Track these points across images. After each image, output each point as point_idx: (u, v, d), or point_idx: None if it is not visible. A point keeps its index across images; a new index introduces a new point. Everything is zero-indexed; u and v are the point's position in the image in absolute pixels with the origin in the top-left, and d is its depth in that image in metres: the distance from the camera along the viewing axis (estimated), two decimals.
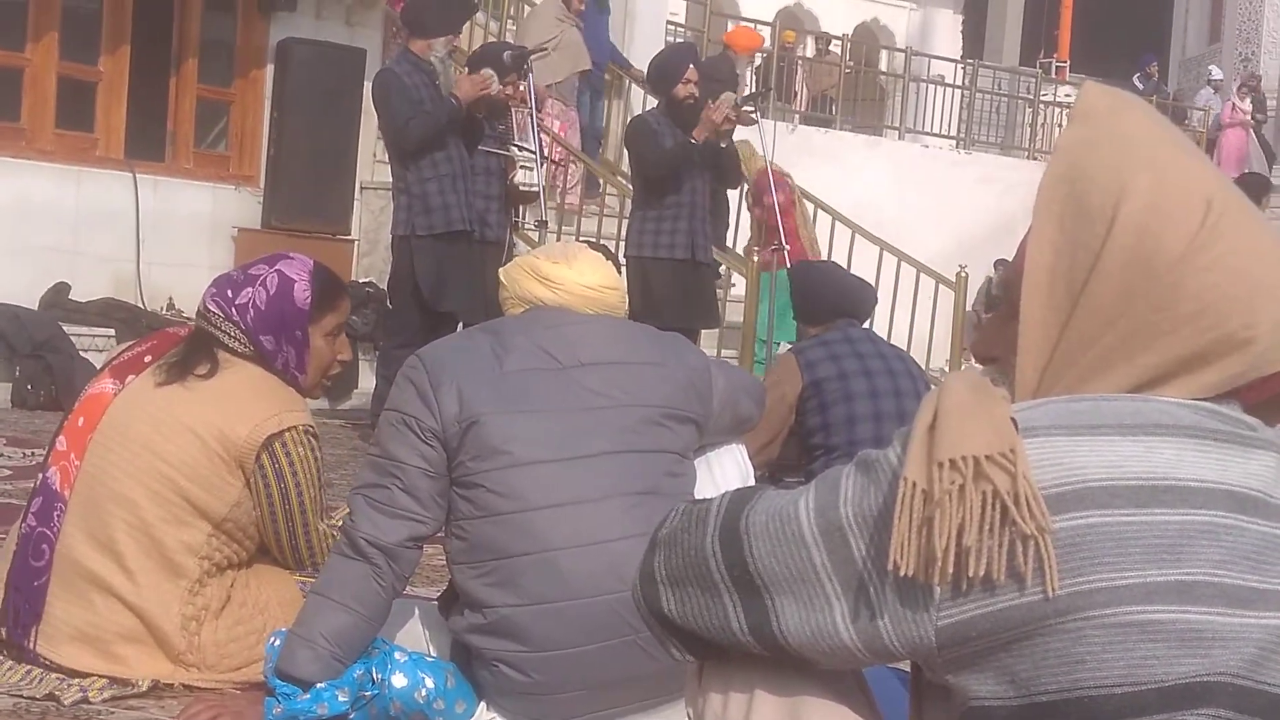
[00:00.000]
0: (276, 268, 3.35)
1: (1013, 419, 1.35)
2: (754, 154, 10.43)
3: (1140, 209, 1.40)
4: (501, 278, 3.20)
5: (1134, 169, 1.42)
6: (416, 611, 3.19)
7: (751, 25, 18.37)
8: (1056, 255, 1.44)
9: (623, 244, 8.26)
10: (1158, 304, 1.39)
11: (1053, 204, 1.45)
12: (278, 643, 2.95)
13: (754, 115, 8.28)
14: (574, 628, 2.86)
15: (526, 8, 13.08)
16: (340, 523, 3.30)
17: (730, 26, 19.07)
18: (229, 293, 3.31)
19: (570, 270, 3.12)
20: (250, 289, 3.31)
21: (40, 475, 3.29)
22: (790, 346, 5.40)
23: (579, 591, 2.86)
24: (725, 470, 3.21)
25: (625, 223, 8.71)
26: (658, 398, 3.03)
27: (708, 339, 9.31)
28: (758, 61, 18.01)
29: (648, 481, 2.95)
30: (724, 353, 10.17)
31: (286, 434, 3.21)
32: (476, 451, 2.89)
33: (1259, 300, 1.38)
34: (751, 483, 3.22)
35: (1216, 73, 23.41)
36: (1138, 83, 23.07)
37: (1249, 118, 22.05)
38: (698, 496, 2.96)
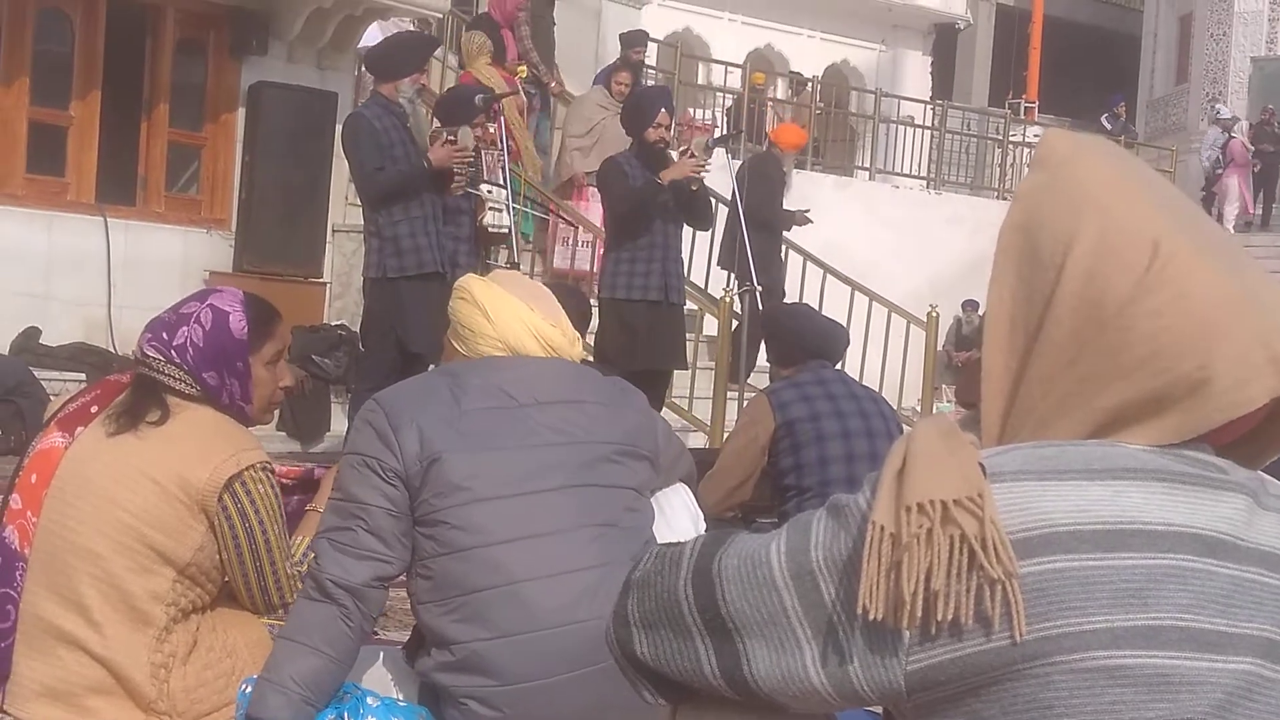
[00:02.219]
0: (208, 303, 3.32)
1: (980, 464, 1.36)
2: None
3: (1087, 254, 1.40)
4: (489, 316, 3.11)
5: (1083, 214, 1.42)
6: (385, 658, 3.18)
7: (723, 66, 18.47)
8: (1015, 302, 1.45)
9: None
10: (1108, 349, 1.39)
11: (1010, 251, 1.46)
12: (249, 689, 2.94)
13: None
14: (542, 659, 2.87)
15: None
16: (299, 559, 3.30)
17: (701, 69, 19.19)
18: (164, 335, 3.28)
19: (564, 338, 3.16)
20: (185, 328, 3.27)
21: None
22: (763, 388, 5.41)
23: (546, 622, 2.87)
24: (674, 508, 3.25)
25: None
26: (613, 435, 3.07)
27: (680, 379, 9.33)
28: (729, 103, 18.10)
29: (608, 515, 2.98)
30: (696, 390, 10.18)
31: (245, 473, 3.20)
32: (438, 489, 2.91)
33: (1212, 341, 1.37)
34: (700, 520, 3.26)
35: (1225, 111, 23.39)
36: (1106, 123, 23.22)
37: (1252, 158, 22.15)
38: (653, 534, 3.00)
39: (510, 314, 3.13)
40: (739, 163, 11.48)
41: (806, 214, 11.45)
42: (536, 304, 3.17)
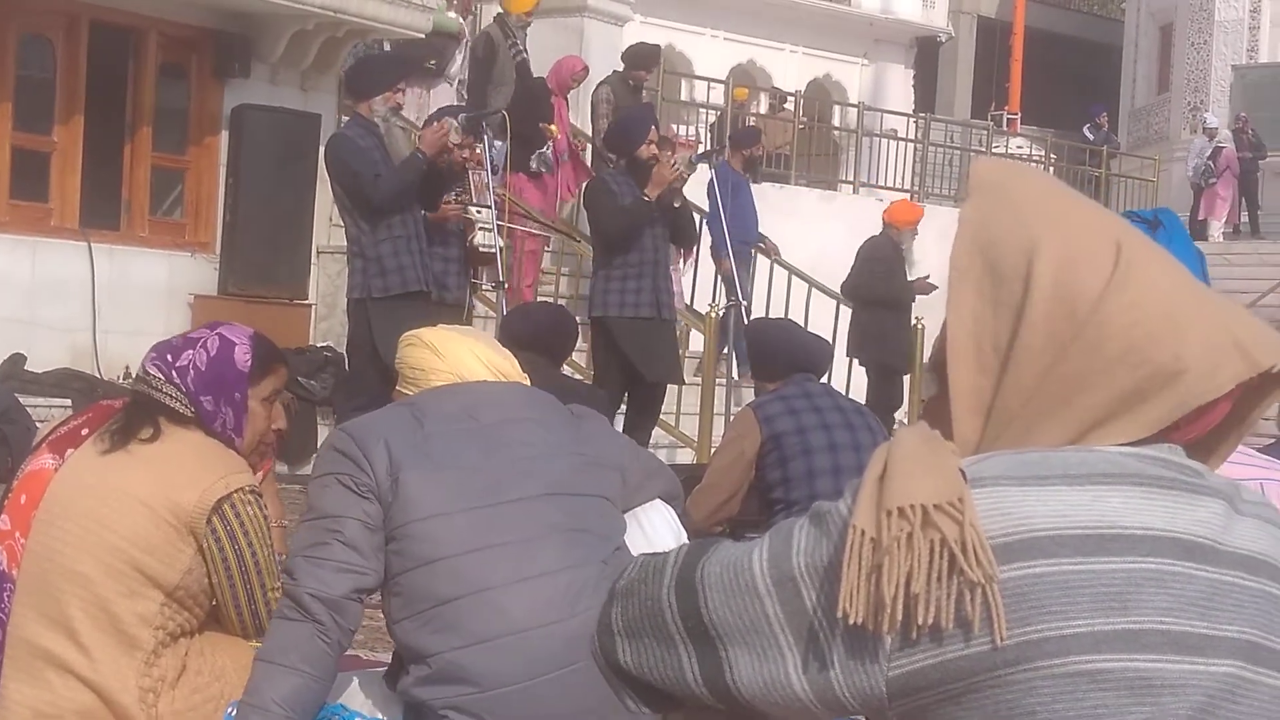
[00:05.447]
0: (217, 331, 3.38)
1: (961, 470, 1.37)
2: None
3: (1054, 261, 1.43)
4: (437, 352, 3.22)
5: (1039, 226, 1.45)
6: (368, 682, 3.18)
7: (706, 82, 18.48)
8: (977, 321, 1.47)
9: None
10: (1085, 348, 1.41)
11: (968, 274, 1.48)
12: (234, 713, 2.94)
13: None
14: (518, 662, 2.88)
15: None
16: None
17: (684, 86, 19.22)
18: (169, 356, 3.32)
19: (511, 365, 3.25)
20: (190, 351, 3.32)
21: None
22: (749, 402, 5.42)
23: (519, 625, 2.89)
24: (655, 525, 3.28)
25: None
26: (580, 448, 3.13)
27: (667, 395, 9.32)
28: (712, 119, 18.14)
29: (579, 521, 3.02)
30: (684, 406, 10.19)
31: (234, 495, 3.21)
32: (404, 504, 2.95)
33: (1183, 331, 1.40)
34: (683, 537, 3.28)
35: (1212, 120, 23.38)
36: (1088, 133, 23.26)
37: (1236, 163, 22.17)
38: (631, 551, 3.00)
39: (459, 347, 3.23)
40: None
41: (927, 279, 11.18)
42: (480, 339, 3.31)
